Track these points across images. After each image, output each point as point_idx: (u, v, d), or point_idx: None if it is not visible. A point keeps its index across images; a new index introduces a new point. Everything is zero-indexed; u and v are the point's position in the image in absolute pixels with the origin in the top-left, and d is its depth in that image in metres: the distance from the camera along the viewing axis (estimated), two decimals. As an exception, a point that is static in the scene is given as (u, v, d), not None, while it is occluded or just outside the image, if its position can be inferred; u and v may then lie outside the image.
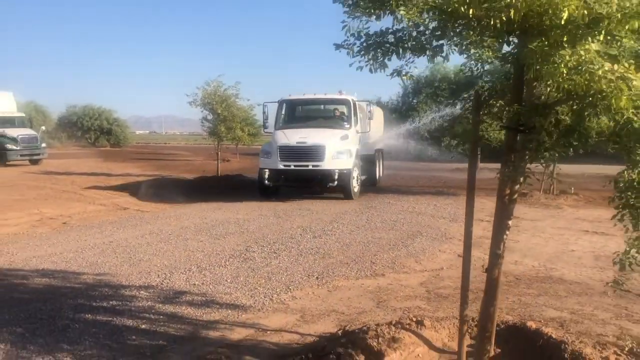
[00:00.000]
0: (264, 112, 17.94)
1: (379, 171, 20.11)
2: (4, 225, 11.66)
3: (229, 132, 26.36)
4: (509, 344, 4.74)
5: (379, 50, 3.39)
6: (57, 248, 9.25)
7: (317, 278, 7.40)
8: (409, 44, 3.28)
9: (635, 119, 2.78)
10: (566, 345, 4.44)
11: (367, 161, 18.42)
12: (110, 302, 6.25)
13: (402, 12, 2.85)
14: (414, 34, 3.13)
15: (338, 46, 3.63)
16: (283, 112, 17.91)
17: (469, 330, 4.81)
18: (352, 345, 4.51)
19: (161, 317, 5.78)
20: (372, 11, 3.11)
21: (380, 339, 4.64)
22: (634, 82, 2.46)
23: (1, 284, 7.05)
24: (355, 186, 16.19)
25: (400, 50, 3.21)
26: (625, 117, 2.61)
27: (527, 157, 3.89)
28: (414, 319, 5.05)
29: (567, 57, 2.57)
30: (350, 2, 3.23)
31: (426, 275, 7.74)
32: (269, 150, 16.20)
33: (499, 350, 4.69)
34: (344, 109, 17.42)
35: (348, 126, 16.89)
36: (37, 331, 5.35)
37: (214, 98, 25.13)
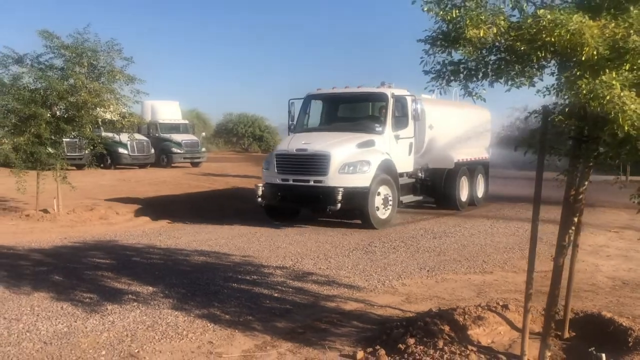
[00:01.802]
0: (289, 112, 14.26)
1: (465, 190, 15.62)
2: (170, 216, 13.84)
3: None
4: (583, 329, 5.36)
5: (458, 75, 4.34)
6: (212, 235, 11.03)
7: (427, 271, 8.28)
8: (476, 72, 4.19)
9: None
10: (632, 331, 5.00)
11: (435, 177, 14.70)
12: (252, 277, 7.67)
13: (459, 51, 3.80)
14: (474, 65, 4.04)
15: (426, 72, 4.62)
16: (307, 111, 14.32)
17: (558, 314, 5.50)
18: (440, 318, 5.41)
19: (290, 289, 7.06)
20: (445, 49, 4.07)
21: (466, 315, 5.48)
22: (631, 106, 3.20)
23: (170, 259, 8.85)
24: (382, 210, 12.12)
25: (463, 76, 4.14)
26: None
27: (590, 164, 4.60)
28: (500, 303, 5.82)
29: (583, 86, 3.36)
30: (430, 41, 4.21)
31: (534, 275, 8.29)
32: (270, 159, 12.98)
33: (574, 333, 5.36)
34: (379, 105, 13.40)
35: (380, 129, 12.75)
36: (196, 292, 6.87)
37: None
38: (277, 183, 12.45)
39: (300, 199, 12.29)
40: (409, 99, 13.25)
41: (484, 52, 3.97)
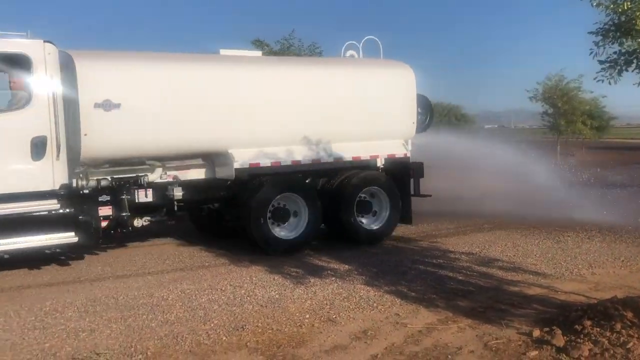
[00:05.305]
0: None
1: (301, 220, 9.07)
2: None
3: (569, 125, 26.32)
4: None
5: (631, 64, 4.44)
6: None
7: (622, 261, 8.03)
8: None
9: None
10: None
11: (223, 196, 9.00)
12: (438, 261, 8.18)
13: (628, 43, 3.93)
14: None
15: (601, 62, 4.75)
16: None
17: None
18: (623, 304, 5.42)
19: (474, 274, 7.44)
20: (616, 40, 4.22)
21: (654, 304, 5.42)
22: None
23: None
24: None
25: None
26: None
27: None
28: (696, 295, 5.62)
29: None
30: (602, 33, 4.38)
31: None
32: None
33: None
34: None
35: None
36: (386, 272, 7.60)
37: (555, 92, 25.45)
38: None
39: None
40: (24, 56, 7.39)
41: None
